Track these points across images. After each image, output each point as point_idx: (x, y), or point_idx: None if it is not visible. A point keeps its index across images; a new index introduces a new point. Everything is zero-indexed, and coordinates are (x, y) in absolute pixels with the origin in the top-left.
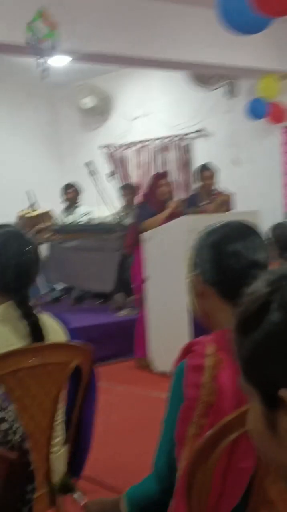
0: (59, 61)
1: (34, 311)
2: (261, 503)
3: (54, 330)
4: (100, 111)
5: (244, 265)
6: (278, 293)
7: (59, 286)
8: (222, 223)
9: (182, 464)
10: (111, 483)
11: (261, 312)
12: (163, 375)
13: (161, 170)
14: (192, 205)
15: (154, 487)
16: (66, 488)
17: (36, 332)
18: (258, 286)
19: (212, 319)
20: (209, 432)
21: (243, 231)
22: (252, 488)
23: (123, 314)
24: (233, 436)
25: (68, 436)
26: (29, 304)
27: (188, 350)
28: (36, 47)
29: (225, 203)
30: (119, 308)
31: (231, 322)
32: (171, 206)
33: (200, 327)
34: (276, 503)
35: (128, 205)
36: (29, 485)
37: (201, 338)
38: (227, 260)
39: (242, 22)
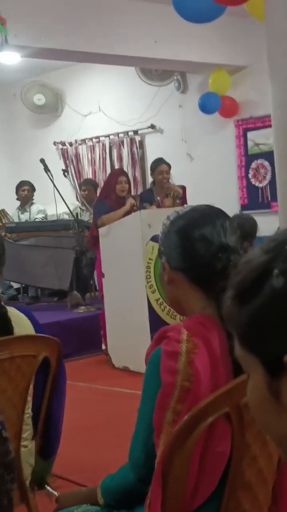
0: (10, 59)
1: (2, 303)
2: (238, 486)
3: (22, 323)
4: (53, 108)
5: (212, 250)
6: (279, 259)
7: (15, 284)
8: (189, 207)
9: (160, 451)
10: (76, 479)
11: (261, 279)
12: (123, 370)
13: (115, 166)
14: (146, 200)
15: (130, 476)
16: (39, 482)
17: (5, 324)
18: (255, 254)
19: (183, 305)
20: (186, 417)
21: (210, 215)
22: (229, 472)
23: (81, 311)
24: (209, 420)
25: (37, 429)
26: None
27: (162, 337)
28: None
29: (179, 196)
30: (77, 305)
31: (202, 307)
32: (129, 203)
33: (156, 322)
34: (253, 485)
35: (88, 201)
36: (8, 475)
37: (174, 324)
38: (194, 245)
39: (196, 10)
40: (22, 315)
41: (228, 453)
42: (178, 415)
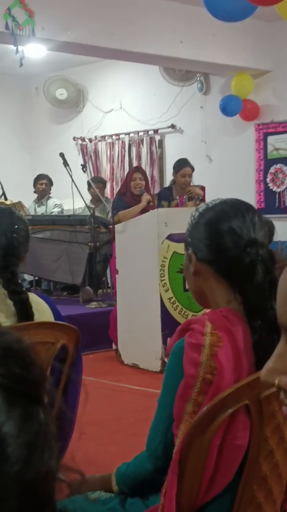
0: (36, 52)
1: (24, 289)
2: (254, 479)
3: (42, 309)
4: (74, 103)
5: (241, 244)
6: None
7: (28, 277)
8: (219, 200)
9: (178, 441)
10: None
11: None
12: (132, 367)
13: (133, 164)
14: (165, 198)
15: (147, 465)
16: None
17: (26, 310)
18: None
19: (207, 298)
20: (205, 407)
21: (240, 208)
22: (246, 464)
23: (93, 306)
24: (229, 411)
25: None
26: (19, 281)
27: (185, 329)
28: (16, 34)
29: (199, 198)
30: (89, 301)
31: (226, 301)
32: (144, 200)
33: (168, 321)
34: (268, 478)
35: (96, 199)
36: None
37: (199, 316)
38: (223, 238)
39: (228, 9)
40: (43, 301)
41: (246, 446)
42: (199, 407)
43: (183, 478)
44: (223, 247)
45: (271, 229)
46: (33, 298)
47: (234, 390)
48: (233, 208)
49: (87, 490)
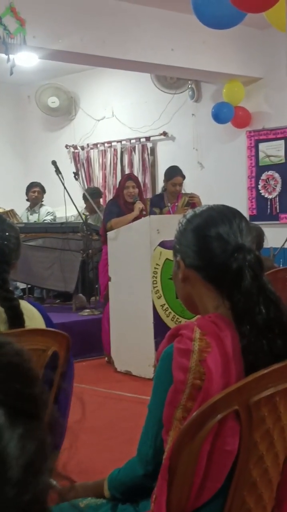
0: (27, 61)
1: (15, 296)
2: (244, 485)
3: (33, 316)
4: (66, 111)
5: (228, 250)
6: None
7: (21, 285)
8: (206, 206)
9: (168, 446)
10: (74, 479)
11: None
12: (125, 374)
13: (125, 172)
14: (156, 205)
15: (138, 470)
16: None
17: (17, 317)
18: None
19: (196, 304)
20: (195, 413)
21: (227, 214)
22: (236, 470)
23: (86, 314)
24: (219, 417)
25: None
26: (10, 288)
27: (174, 335)
28: (7, 42)
29: (195, 205)
30: (82, 308)
31: (215, 306)
32: (137, 208)
33: (161, 328)
34: (258, 484)
35: (91, 211)
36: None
37: (188, 322)
38: (211, 244)
39: (217, 16)
40: (34, 309)
41: (236, 452)
42: (188, 412)
43: (172, 484)
44: (211, 253)
45: (260, 235)
46: (24, 305)
47: (223, 395)
48: (220, 214)
49: (78, 497)
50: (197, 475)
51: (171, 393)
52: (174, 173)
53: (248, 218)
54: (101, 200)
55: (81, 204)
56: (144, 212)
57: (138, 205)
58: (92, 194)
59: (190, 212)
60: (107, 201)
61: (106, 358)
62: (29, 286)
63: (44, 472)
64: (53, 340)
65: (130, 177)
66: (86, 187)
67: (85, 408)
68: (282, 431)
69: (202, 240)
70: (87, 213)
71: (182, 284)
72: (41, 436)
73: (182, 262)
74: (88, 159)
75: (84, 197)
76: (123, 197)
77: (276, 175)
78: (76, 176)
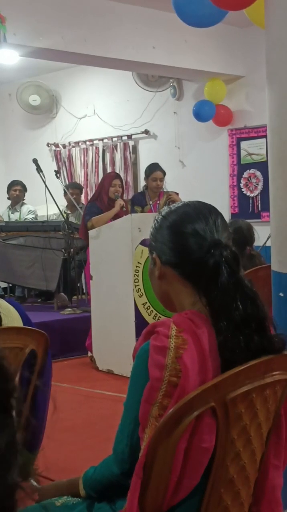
0: (8, 58)
1: None
2: (221, 482)
3: (11, 315)
4: (47, 109)
5: (205, 246)
6: None
7: (2, 284)
8: (182, 203)
9: (144, 444)
10: (54, 478)
11: None
12: (107, 373)
13: (107, 170)
14: (138, 203)
15: (114, 469)
16: (23, 474)
17: None
18: None
19: (173, 301)
20: (171, 410)
21: (203, 211)
22: (212, 467)
23: (67, 312)
24: (195, 413)
25: (22, 421)
26: None
27: (151, 332)
28: None
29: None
30: (64, 307)
31: (191, 303)
32: (118, 204)
33: (142, 326)
34: (235, 481)
35: (72, 205)
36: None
37: (164, 319)
38: (187, 240)
39: (197, 14)
40: (11, 307)
41: (212, 449)
42: (164, 409)
43: (149, 481)
44: (187, 249)
45: (250, 230)
46: (2, 303)
47: (199, 392)
48: (196, 211)
49: (54, 496)
50: (173, 473)
51: (147, 390)
52: (153, 168)
53: (230, 216)
54: (82, 197)
55: (63, 203)
56: (124, 209)
57: (119, 202)
58: (70, 185)
59: (165, 209)
60: (87, 204)
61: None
62: (10, 285)
63: (14, 468)
64: (30, 339)
65: (118, 176)
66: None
67: (66, 407)
68: (259, 427)
69: (178, 236)
70: (69, 212)
71: (158, 281)
72: (12, 432)
73: (158, 259)
74: (70, 157)
75: (65, 191)
76: (108, 193)
77: (258, 173)
78: (58, 175)
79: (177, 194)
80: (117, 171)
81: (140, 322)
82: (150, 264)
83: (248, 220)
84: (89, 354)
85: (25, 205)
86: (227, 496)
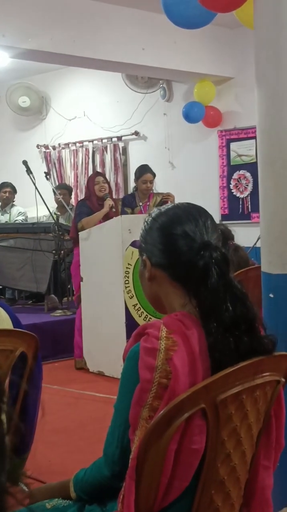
0: None
1: None
2: (211, 483)
3: (0, 317)
4: (37, 111)
5: (194, 247)
6: None
7: None
8: (171, 205)
9: (135, 446)
10: (45, 480)
11: None
12: (98, 375)
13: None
14: (128, 205)
15: (104, 471)
16: (12, 478)
17: None
18: None
19: (163, 303)
20: (162, 411)
21: (192, 212)
22: (203, 468)
23: (58, 314)
24: (185, 415)
25: (10, 426)
26: None
27: (141, 333)
28: None
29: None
30: (54, 309)
31: (181, 304)
32: (107, 205)
33: (133, 327)
34: (226, 482)
35: (62, 206)
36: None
37: (154, 321)
38: (177, 242)
39: (186, 16)
40: (0, 309)
41: (203, 450)
42: (155, 411)
43: (140, 483)
44: (177, 251)
45: (226, 227)
46: None
47: (190, 393)
48: (186, 212)
49: (45, 498)
50: (164, 474)
51: (137, 392)
52: (143, 170)
53: (219, 218)
54: (72, 198)
55: (53, 204)
56: (114, 210)
57: (108, 202)
58: (59, 186)
59: (155, 211)
60: (77, 202)
61: (75, 363)
62: (0, 287)
63: (2, 473)
64: (20, 341)
65: (98, 173)
66: None
67: (56, 409)
68: (249, 429)
69: (168, 238)
70: (59, 213)
71: (148, 283)
72: (0, 437)
73: (148, 261)
74: (59, 159)
75: (54, 192)
76: (95, 193)
77: (248, 174)
78: (48, 176)
79: (173, 196)
80: (107, 172)
81: (130, 324)
82: (140, 265)
83: (238, 222)
84: (77, 359)
85: (15, 207)
86: (217, 497)
